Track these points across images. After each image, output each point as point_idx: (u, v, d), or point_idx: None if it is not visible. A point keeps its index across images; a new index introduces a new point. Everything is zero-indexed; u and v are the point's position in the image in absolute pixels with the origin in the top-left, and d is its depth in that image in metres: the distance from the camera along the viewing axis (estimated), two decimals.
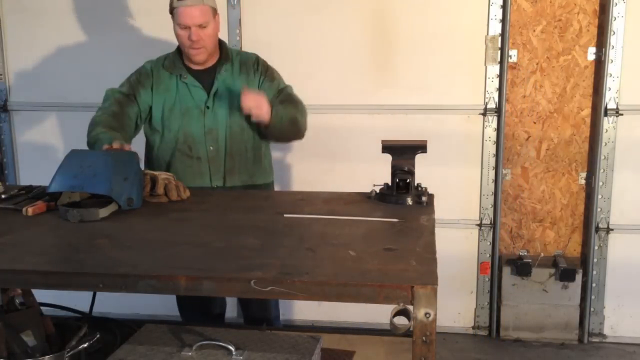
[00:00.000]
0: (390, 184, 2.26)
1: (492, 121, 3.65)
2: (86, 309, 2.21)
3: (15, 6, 3.88)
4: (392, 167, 2.27)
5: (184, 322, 2.89)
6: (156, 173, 2.29)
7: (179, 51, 2.75)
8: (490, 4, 3.55)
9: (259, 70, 2.76)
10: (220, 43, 2.77)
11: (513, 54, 3.61)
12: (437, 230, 1.89)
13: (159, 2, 3.71)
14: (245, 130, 2.74)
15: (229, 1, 3.68)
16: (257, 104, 2.53)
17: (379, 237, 1.87)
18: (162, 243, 1.82)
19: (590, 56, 3.58)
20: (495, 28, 3.57)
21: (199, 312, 2.96)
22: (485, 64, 3.61)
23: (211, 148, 2.70)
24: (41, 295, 1.99)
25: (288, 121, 2.65)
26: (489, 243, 3.77)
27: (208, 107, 2.68)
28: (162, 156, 2.75)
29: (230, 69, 2.73)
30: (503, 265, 3.78)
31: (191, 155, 2.70)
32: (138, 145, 2.86)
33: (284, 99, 2.72)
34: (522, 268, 3.70)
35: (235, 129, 2.71)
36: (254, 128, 2.74)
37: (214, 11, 2.67)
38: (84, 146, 3.90)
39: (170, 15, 2.70)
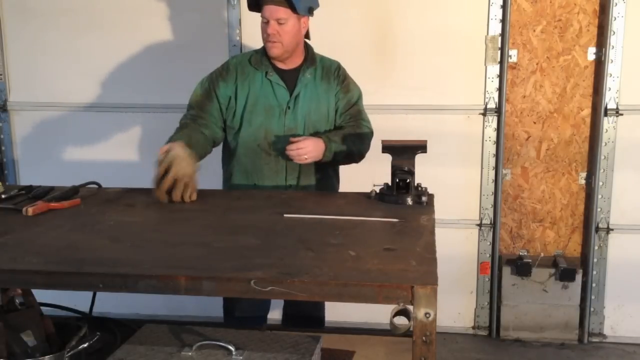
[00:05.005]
0: (390, 184, 2.26)
1: (492, 121, 3.65)
2: (86, 309, 2.21)
3: (15, 6, 3.88)
4: (392, 167, 2.27)
5: (184, 322, 2.87)
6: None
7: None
8: (490, 4, 3.55)
9: (339, 79, 2.84)
10: (307, 46, 2.84)
11: (513, 54, 3.61)
12: (437, 230, 1.89)
13: (159, 3, 3.74)
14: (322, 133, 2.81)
15: (229, 1, 3.69)
16: (298, 154, 2.60)
17: (379, 237, 1.87)
18: (162, 243, 1.82)
19: (590, 56, 3.58)
20: (495, 28, 3.57)
21: (249, 315, 2.91)
22: (485, 64, 3.61)
23: None
24: (41, 295, 1.99)
25: (343, 157, 2.73)
26: (489, 243, 3.77)
27: (289, 108, 2.75)
28: (241, 151, 2.79)
29: (314, 73, 2.81)
30: (503, 265, 3.78)
31: (270, 152, 2.76)
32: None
33: (350, 119, 2.81)
34: (522, 268, 3.70)
35: (314, 130, 2.78)
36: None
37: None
38: (83, 146, 3.96)
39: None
